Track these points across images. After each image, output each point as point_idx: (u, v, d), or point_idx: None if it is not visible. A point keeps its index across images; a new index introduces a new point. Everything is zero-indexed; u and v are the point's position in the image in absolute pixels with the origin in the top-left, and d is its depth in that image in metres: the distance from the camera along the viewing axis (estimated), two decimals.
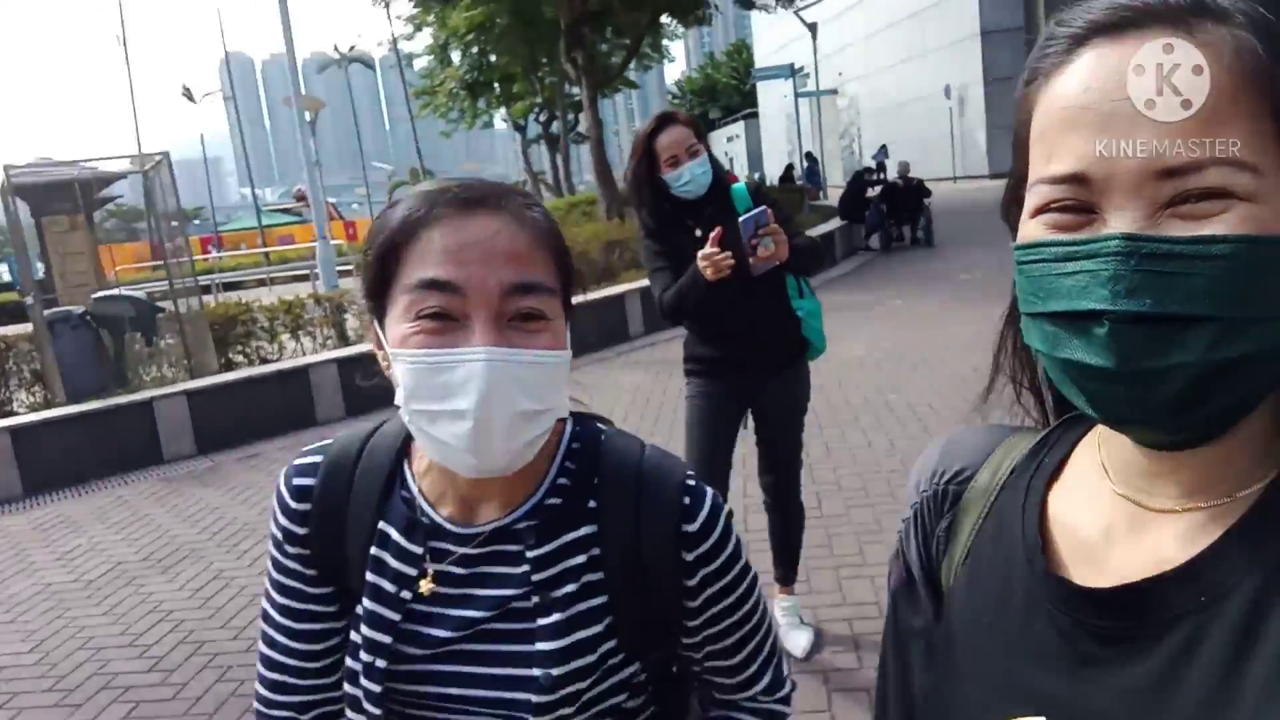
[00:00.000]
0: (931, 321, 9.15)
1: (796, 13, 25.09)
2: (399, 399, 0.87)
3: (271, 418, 7.43)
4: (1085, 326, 0.51)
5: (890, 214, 15.27)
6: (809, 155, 26.04)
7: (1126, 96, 0.51)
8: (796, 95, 26.86)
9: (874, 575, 3.83)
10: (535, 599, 0.92)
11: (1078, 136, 0.53)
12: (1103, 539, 0.59)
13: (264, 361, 8.66)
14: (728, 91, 64.24)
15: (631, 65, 26.80)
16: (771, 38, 50.36)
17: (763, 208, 2.88)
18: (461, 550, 0.94)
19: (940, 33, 33.87)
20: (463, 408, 0.83)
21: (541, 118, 35.59)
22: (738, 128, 57.77)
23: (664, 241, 3.07)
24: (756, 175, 43.69)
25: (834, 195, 21.37)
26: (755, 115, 55.68)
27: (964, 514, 0.68)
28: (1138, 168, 0.50)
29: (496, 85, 33.85)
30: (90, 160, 11.99)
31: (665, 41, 29.57)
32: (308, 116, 26.95)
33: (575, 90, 29.78)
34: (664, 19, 22.99)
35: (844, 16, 38.92)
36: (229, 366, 8.46)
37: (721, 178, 3.08)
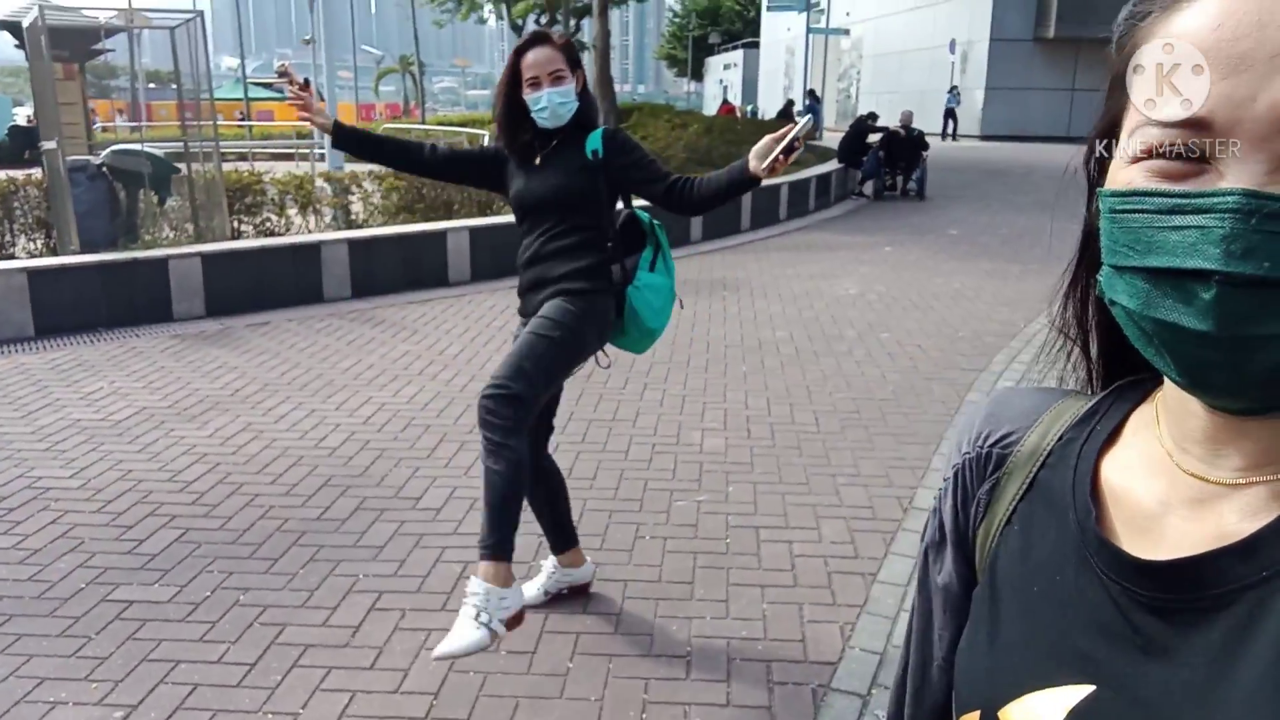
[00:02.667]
0: (921, 270, 9.48)
1: None
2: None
3: (281, 289, 7.62)
4: (1187, 286, 0.48)
5: (887, 163, 15.48)
6: (811, 93, 25.98)
7: (1265, 37, 0.46)
8: (809, 30, 26.65)
9: (866, 484, 4.21)
10: None
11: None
12: (1159, 509, 0.57)
13: (270, 234, 8.78)
14: (730, 17, 63.11)
15: None
16: None
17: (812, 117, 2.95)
18: None
19: None
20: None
21: (542, 19, 34.96)
22: (736, 56, 56.96)
23: (505, 157, 2.99)
24: (749, 107, 43.35)
25: (828, 138, 21.46)
26: (755, 45, 54.91)
27: (1008, 478, 0.67)
28: (1270, 116, 0.46)
29: None
30: (88, 10, 11.76)
31: None
32: None
33: None
34: None
35: None
36: (235, 235, 8.56)
37: (589, 118, 2.93)
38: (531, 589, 3.24)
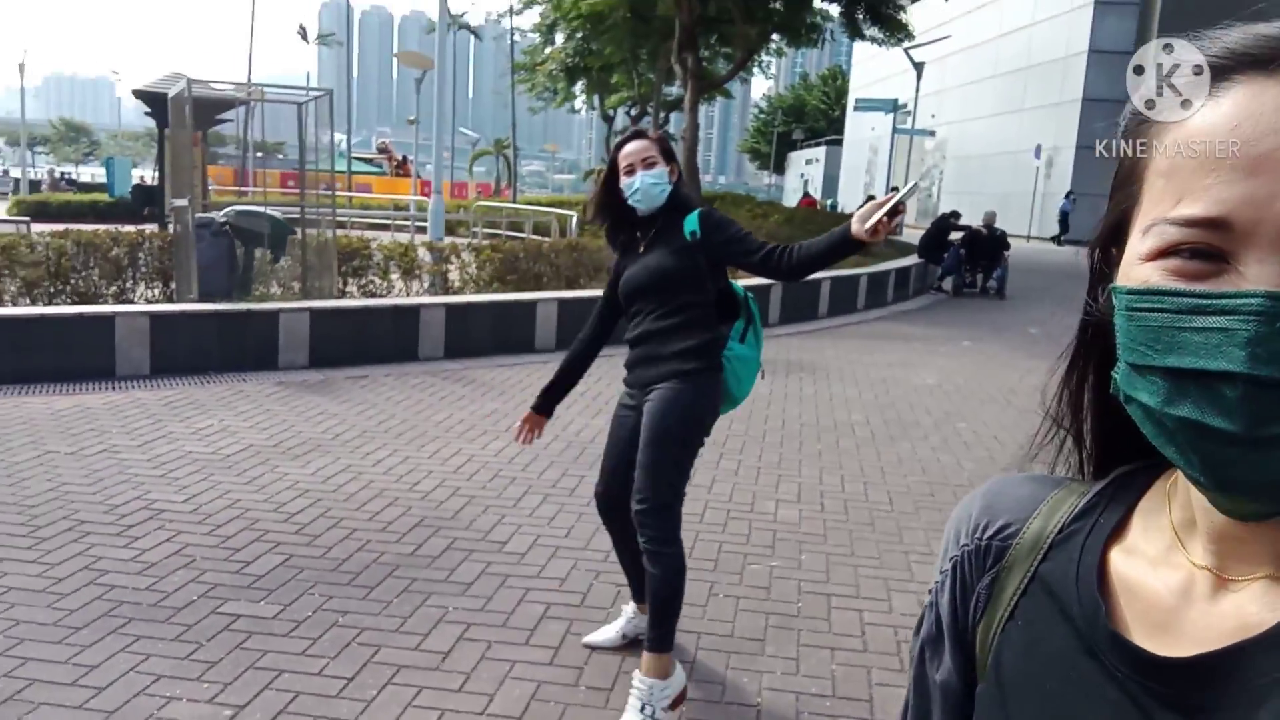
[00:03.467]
0: (999, 365, 9.51)
1: (906, 50, 25.36)
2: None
3: (381, 346, 8.04)
4: (1212, 386, 0.47)
5: (968, 260, 15.57)
6: (894, 189, 26.26)
7: None
8: (895, 130, 27.15)
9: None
10: None
11: (1220, 177, 0.48)
12: (1177, 603, 0.56)
13: (372, 295, 9.28)
14: (815, 114, 64.48)
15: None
16: (870, 69, 50.48)
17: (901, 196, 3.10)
18: None
19: (1041, 93, 33.90)
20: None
21: (633, 111, 36.26)
22: (819, 151, 58.00)
23: (618, 255, 3.22)
24: (829, 201, 43.93)
25: (908, 234, 21.65)
26: (838, 142, 55.85)
27: (1008, 572, 0.65)
28: None
29: (594, 73, 34.45)
30: (214, 83, 12.81)
31: (766, 58, 30.01)
32: (416, 74, 27.92)
33: (671, 89, 30.35)
34: (774, 36, 23.40)
35: (947, 60, 38.98)
36: (340, 294, 9.07)
37: (683, 201, 3.12)
38: (610, 632, 3.40)
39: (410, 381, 7.47)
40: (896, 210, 2.68)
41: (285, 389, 7.07)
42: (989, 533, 0.68)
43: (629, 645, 3.39)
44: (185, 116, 8.17)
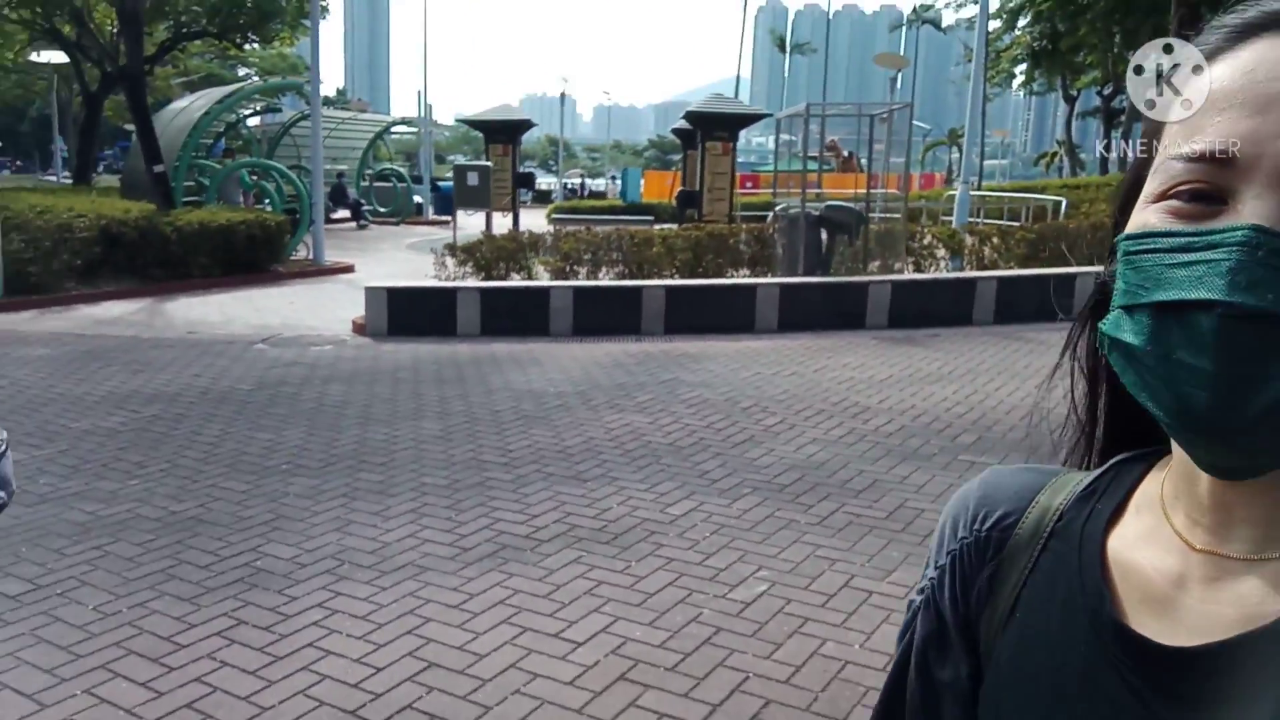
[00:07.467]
0: None
1: None
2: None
3: (941, 311, 9.90)
4: (1190, 318, 0.48)
5: None
6: None
7: None
8: None
9: None
10: None
11: (1230, 115, 0.49)
12: (1175, 590, 0.55)
13: (919, 271, 11.16)
14: None
15: None
16: None
17: None
18: None
19: None
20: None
21: (1106, 91, 34.79)
22: None
23: None
24: None
25: None
26: None
27: (1008, 563, 0.64)
28: None
29: (1062, 54, 33.64)
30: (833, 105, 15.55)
31: None
32: (890, 73, 29.69)
33: None
34: None
35: None
36: (900, 270, 11.07)
37: None
38: None
39: (974, 339, 9.19)
40: None
41: (881, 342, 9.14)
42: (988, 524, 0.66)
43: None
44: (808, 134, 10.60)
